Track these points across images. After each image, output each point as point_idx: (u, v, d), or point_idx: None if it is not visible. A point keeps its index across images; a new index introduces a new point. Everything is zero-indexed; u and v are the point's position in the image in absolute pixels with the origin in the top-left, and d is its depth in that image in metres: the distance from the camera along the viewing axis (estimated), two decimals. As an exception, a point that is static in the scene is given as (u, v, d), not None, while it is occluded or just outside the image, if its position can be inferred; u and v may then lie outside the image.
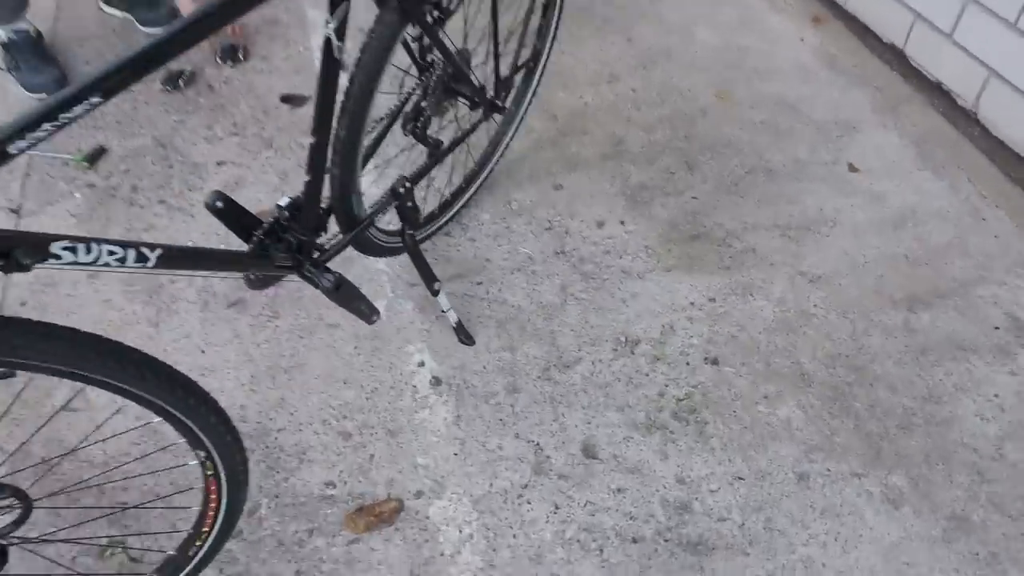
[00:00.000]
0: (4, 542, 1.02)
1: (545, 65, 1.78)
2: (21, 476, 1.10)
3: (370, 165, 1.45)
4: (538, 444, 1.44)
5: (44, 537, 1.20)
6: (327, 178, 1.26)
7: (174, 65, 2.18)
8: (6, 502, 0.97)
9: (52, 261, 0.84)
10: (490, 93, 1.53)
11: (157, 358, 0.93)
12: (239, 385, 1.52)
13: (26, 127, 0.75)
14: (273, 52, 2.27)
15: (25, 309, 1.61)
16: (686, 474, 1.41)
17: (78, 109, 0.79)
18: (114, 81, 0.80)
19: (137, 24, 2.29)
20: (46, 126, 0.77)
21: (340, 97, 1.18)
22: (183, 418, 0.96)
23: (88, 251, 0.87)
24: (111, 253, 0.90)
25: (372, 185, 1.83)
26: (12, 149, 0.75)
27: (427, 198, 1.78)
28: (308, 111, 1.41)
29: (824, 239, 1.82)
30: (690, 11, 2.41)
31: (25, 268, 0.81)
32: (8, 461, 1.28)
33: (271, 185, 1.91)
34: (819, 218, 1.86)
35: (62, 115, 0.78)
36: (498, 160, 1.81)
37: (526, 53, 1.67)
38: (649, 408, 1.50)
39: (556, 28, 1.71)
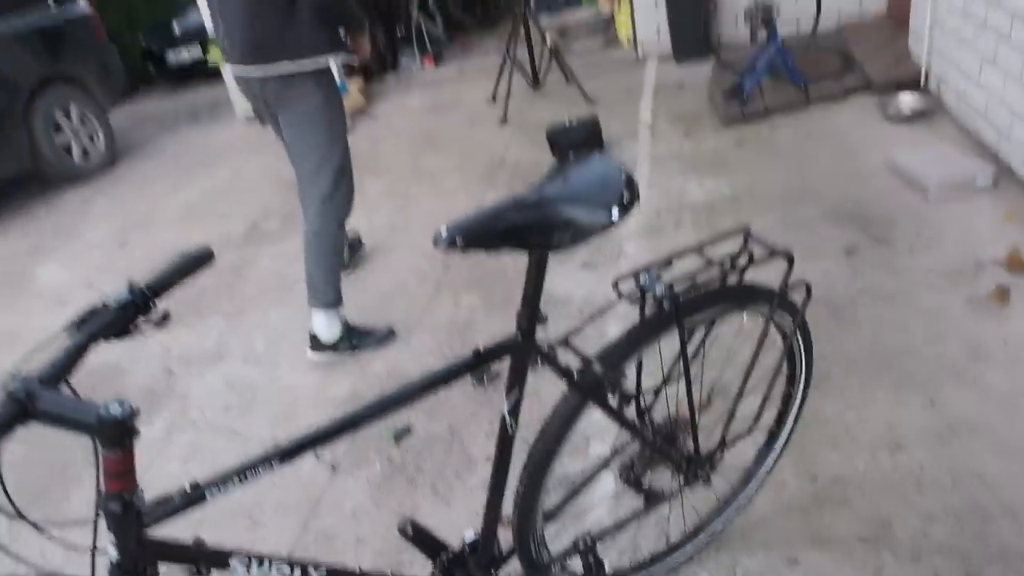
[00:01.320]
0: None
1: (790, 434, 1.69)
2: None
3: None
4: None
5: None
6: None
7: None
8: None
9: (229, 571, 1.07)
10: (697, 461, 1.51)
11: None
12: None
13: (221, 480, 1.01)
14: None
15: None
16: None
17: (261, 471, 1.03)
18: (288, 452, 1.05)
19: None
20: (236, 480, 1.02)
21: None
22: None
23: (260, 567, 1.09)
24: (279, 571, 1.11)
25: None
26: (207, 494, 1.01)
27: (641, 543, 1.75)
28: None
29: None
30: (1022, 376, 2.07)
31: (204, 575, 1.05)
32: None
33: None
34: None
35: (250, 474, 1.03)
36: (727, 520, 1.72)
37: (766, 414, 1.62)
38: None
39: (804, 388, 1.64)
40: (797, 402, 1.65)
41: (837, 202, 3.17)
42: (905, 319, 2.38)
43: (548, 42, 5.25)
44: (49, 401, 0.89)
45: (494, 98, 5.42)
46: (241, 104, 6.53)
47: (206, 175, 5.47)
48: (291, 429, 2.49)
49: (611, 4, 6.39)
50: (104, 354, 0.96)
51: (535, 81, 5.43)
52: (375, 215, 4.07)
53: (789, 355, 1.58)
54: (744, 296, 1.40)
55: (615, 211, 1.11)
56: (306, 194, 2.63)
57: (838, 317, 2.46)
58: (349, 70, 6.36)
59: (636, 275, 1.30)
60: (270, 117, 2.58)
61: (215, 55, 6.12)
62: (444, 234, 1.03)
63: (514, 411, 1.25)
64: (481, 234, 1.06)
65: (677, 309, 1.27)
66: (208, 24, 5.65)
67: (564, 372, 1.26)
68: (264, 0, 2.31)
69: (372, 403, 1.13)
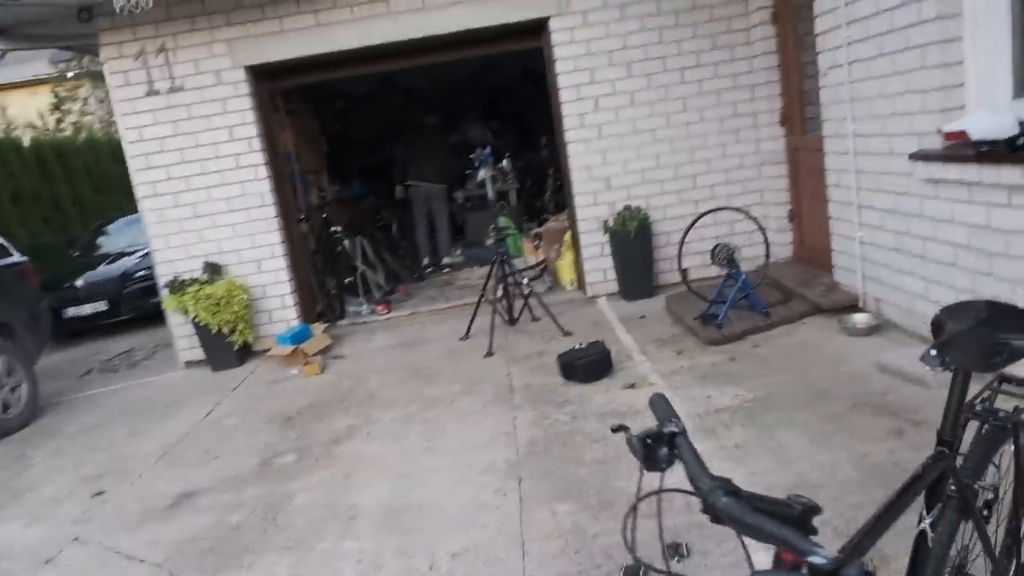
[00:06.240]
0: None
1: None
2: None
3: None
4: None
5: None
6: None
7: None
8: None
9: None
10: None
11: None
12: None
13: None
14: (709, 549, 2.61)
15: None
16: None
17: None
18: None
19: None
20: None
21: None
22: None
23: None
24: None
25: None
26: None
27: None
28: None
29: None
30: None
31: None
32: None
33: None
34: None
35: None
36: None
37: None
38: None
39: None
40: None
41: (854, 397, 3.65)
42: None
43: (524, 285, 5.80)
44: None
45: (467, 335, 5.73)
46: (185, 351, 6.34)
47: (170, 420, 5.13)
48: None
49: (547, 254, 7.19)
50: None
51: (511, 319, 5.84)
52: (404, 441, 4.03)
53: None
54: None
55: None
56: (441, 235, 8.84)
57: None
58: (314, 318, 6.51)
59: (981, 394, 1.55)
60: (426, 204, 8.68)
61: (171, 302, 6.04)
62: (933, 354, 1.27)
63: (936, 522, 1.38)
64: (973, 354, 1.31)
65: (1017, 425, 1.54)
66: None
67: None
68: (447, 157, 8.85)
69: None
